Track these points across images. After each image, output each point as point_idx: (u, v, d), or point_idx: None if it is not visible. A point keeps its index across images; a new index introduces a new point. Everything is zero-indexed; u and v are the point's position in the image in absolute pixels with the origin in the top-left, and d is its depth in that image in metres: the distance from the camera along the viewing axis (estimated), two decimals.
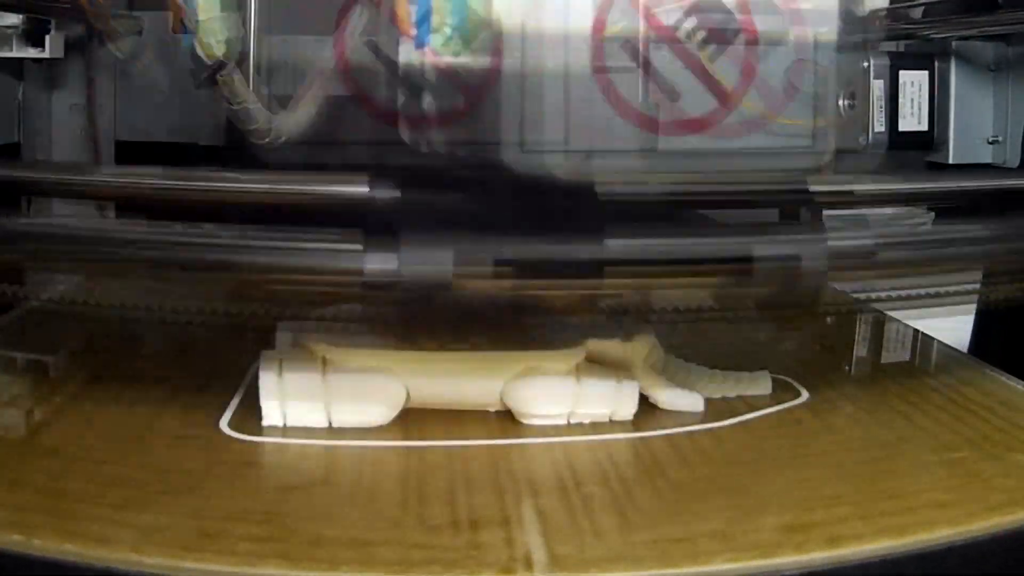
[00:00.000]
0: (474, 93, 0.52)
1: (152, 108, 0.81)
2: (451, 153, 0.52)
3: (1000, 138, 0.80)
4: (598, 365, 0.49)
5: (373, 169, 0.48)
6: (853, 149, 0.82)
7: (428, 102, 0.53)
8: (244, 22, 0.77)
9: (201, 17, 0.50)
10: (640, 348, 0.50)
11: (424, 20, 0.52)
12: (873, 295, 0.56)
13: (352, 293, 0.45)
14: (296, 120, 0.59)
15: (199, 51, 0.53)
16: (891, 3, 0.80)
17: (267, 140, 0.58)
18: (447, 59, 0.52)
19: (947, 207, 0.75)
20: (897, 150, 0.80)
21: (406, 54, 0.53)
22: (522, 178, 0.48)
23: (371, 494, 0.42)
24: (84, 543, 0.37)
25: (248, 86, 0.55)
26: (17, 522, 0.38)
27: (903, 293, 0.53)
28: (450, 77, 0.52)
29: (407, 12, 0.52)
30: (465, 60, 0.52)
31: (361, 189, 0.47)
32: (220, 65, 0.52)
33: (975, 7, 0.75)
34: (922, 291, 0.53)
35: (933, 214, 0.82)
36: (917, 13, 0.82)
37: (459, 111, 0.53)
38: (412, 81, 0.53)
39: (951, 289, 0.53)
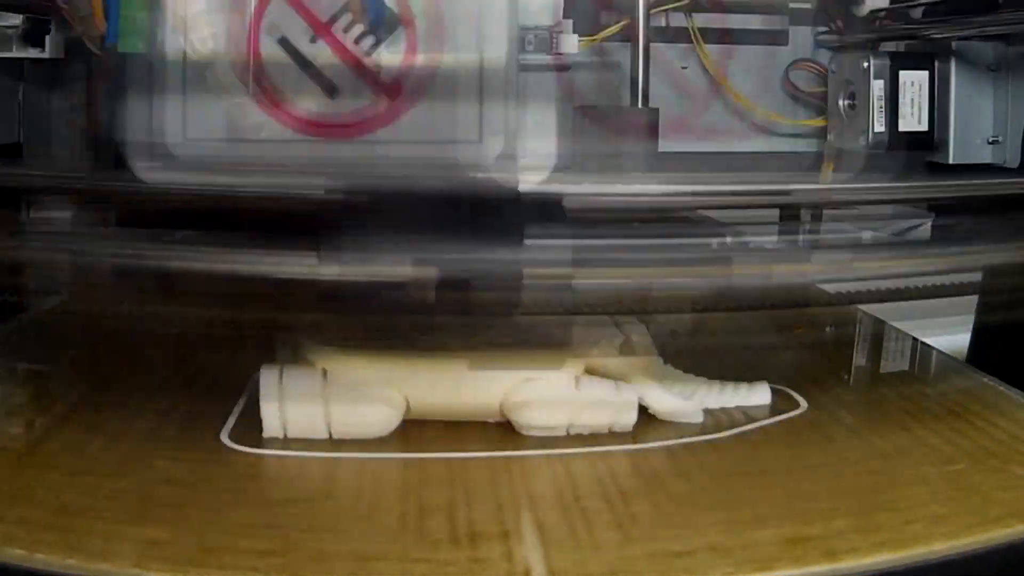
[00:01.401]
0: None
1: None
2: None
3: (1000, 138, 0.80)
4: (597, 376, 0.49)
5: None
6: (853, 149, 0.82)
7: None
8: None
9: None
10: (639, 359, 0.50)
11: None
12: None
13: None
14: None
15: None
16: (891, 3, 0.81)
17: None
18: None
19: (947, 207, 0.76)
20: (897, 150, 0.80)
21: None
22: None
23: (371, 507, 0.42)
24: (86, 558, 0.37)
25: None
26: (19, 536, 0.38)
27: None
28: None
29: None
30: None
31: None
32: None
33: (975, 7, 0.75)
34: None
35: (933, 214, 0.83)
36: (917, 13, 0.82)
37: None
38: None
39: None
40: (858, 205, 0.83)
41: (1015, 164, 0.78)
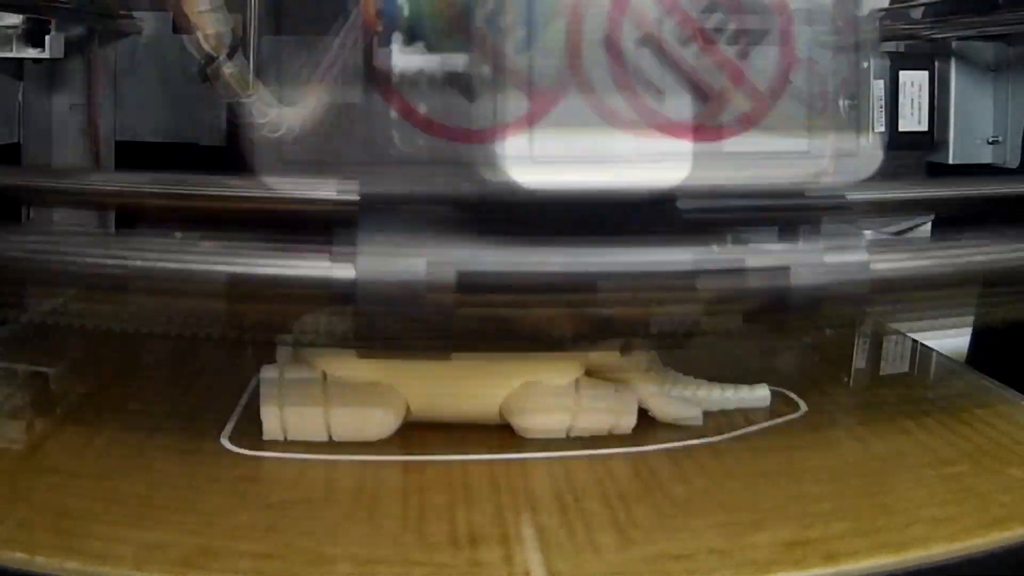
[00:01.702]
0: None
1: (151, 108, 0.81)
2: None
3: (1000, 138, 0.80)
4: (597, 379, 0.49)
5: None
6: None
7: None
8: (245, 20, 0.78)
9: (196, 9, 0.50)
10: (639, 361, 0.50)
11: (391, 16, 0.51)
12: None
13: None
14: (297, 114, 0.59)
15: (190, 47, 0.53)
16: (891, 3, 0.81)
17: (268, 135, 0.58)
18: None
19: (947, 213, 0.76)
20: (897, 150, 0.80)
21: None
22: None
23: (371, 510, 0.42)
24: (86, 560, 0.37)
25: (247, 80, 0.55)
26: (19, 539, 0.38)
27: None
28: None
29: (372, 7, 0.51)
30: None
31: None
32: (210, 59, 0.52)
33: (975, 7, 0.75)
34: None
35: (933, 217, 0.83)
36: (917, 13, 0.82)
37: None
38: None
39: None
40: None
41: (1015, 164, 0.78)
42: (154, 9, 0.78)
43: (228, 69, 0.53)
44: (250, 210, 0.48)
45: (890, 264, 0.45)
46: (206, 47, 0.51)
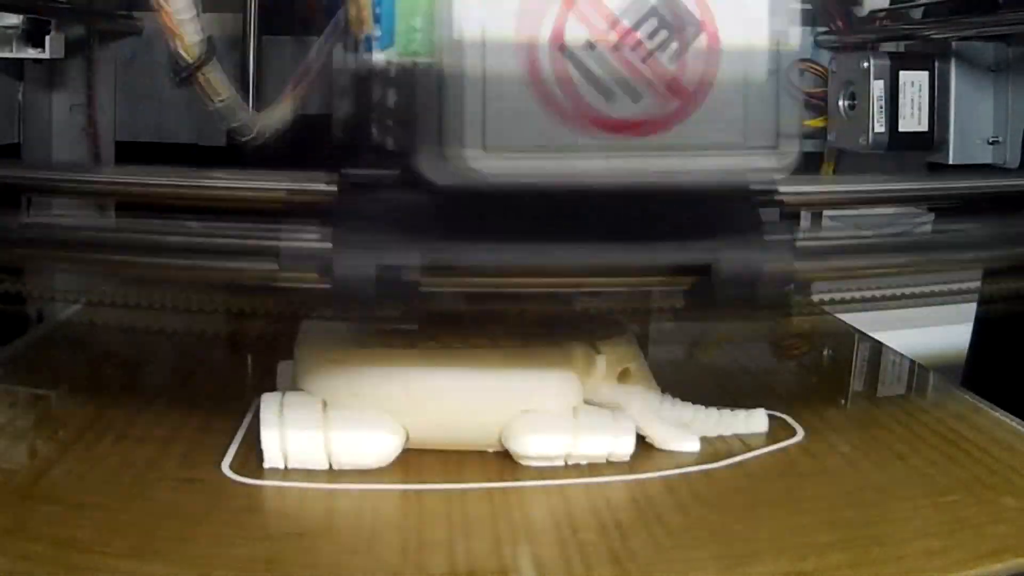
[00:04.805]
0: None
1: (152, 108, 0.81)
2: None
3: (1000, 138, 0.80)
4: (595, 406, 0.50)
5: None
6: (853, 149, 0.82)
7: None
8: (245, 20, 0.78)
9: (178, 18, 0.50)
10: (637, 387, 0.50)
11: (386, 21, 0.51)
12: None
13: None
14: (275, 118, 0.59)
15: (178, 51, 0.53)
16: (891, 3, 0.80)
17: (248, 137, 0.58)
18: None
19: (947, 207, 0.76)
20: (897, 150, 0.80)
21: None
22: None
23: (371, 541, 0.42)
24: None
25: (228, 84, 0.55)
26: (23, 572, 0.38)
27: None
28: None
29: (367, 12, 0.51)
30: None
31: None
32: (199, 64, 0.52)
33: (975, 7, 0.74)
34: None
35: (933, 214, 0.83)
36: (917, 13, 0.82)
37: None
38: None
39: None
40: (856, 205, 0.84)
41: (1015, 164, 0.78)
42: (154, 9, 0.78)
43: (202, 76, 0.53)
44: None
45: None
46: (184, 54, 0.52)
